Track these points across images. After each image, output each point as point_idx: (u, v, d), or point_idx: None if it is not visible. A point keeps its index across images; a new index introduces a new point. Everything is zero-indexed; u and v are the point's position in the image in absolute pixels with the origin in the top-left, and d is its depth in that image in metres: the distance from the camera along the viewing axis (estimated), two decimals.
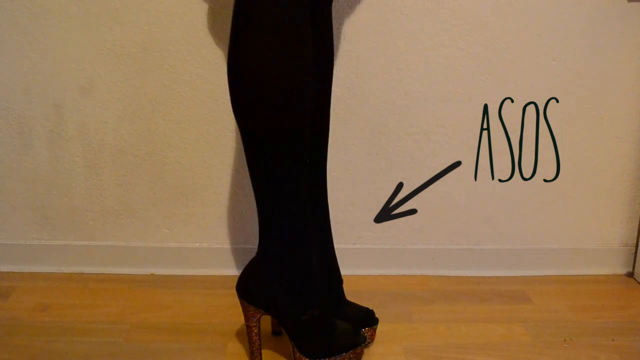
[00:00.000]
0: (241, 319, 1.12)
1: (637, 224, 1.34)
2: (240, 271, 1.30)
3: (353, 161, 1.26)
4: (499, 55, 1.22)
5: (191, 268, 1.30)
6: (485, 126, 1.26)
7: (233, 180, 1.26)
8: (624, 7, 1.20)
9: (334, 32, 1.14)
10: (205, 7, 1.16)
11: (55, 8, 1.16)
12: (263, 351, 1.03)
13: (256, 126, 0.87)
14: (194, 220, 1.28)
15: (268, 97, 0.85)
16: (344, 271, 1.13)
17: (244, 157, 1.25)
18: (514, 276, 1.33)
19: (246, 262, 1.29)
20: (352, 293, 1.18)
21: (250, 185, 1.26)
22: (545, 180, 1.30)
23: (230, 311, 1.16)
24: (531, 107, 1.25)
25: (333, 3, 1.09)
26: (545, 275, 1.34)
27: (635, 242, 1.35)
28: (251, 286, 0.95)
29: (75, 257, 1.29)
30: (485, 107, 1.24)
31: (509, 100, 1.24)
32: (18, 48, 1.18)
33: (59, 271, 1.29)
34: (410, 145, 1.26)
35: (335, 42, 1.17)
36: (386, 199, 1.29)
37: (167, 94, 1.21)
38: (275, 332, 1.09)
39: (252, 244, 1.30)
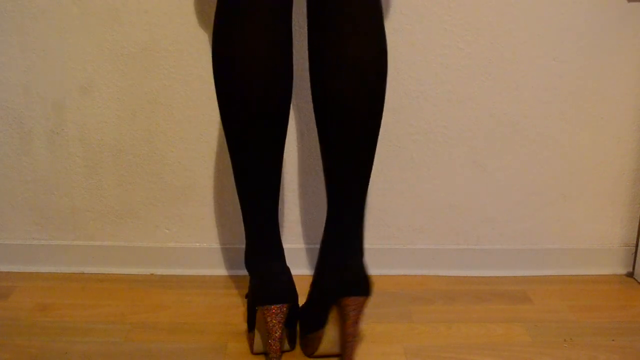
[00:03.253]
0: (241, 319, 1.12)
1: (637, 224, 1.34)
2: (240, 271, 1.30)
3: None
4: (499, 55, 1.22)
5: (191, 268, 1.30)
6: (485, 126, 1.26)
7: (233, 180, 1.26)
8: (624, 7, 1.20)
9: None
10: (205, 7, 1.16)
11: (55, 8, 1.16)
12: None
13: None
14: (194, 220, 1.29)
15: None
16: None
17: None
18: (514, 276, 1.33)
19: None
20: None
21: None
22: (545, 180, 1.30)
23: (230, 311, 1.16)
24: (531, 107, 1.25)
25: None
26: (545, 275, 1.34)
27: (635, 242, 1.35)
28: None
29: (75, 257, 1.29)
30: (485, 107, 1.24)
31: (509, 100, 1.24)
32: (18, 48, 1.18)
33: (59, 271, 1.29)
34: (410, 145, 1.26)
35: None
36: (386, 199, 1.29)
37: (167, 94, 1.21)
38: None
39: None
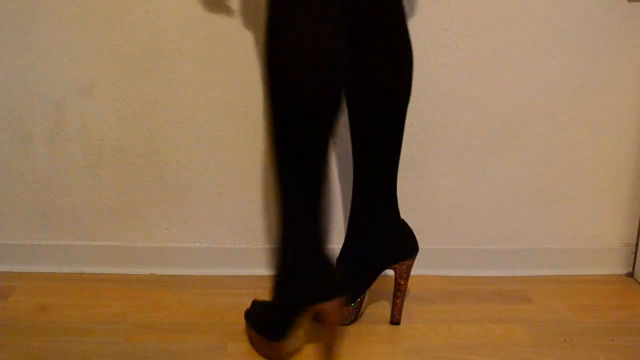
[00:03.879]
0: (241, 319, 1.12)
1: (637, 224, 1.34)
2: (240, 271, 1.30)
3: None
4: (499, 55, 1.22)
5: (191, 268, 1.30)
6: (485, 126, 1.26)
7: (233, 180, 1.26)
8: (624, 7, 1.20)
9: None
10: (205, 7, 1.16)
11: (55, 8, 1.16)
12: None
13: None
14: (194, 220, 1.28)
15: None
16: None
17: (244, 157, 1.25)
18: (514, 276, 1.33)
19: (246, 262, 1.29)
20: None
21: (250, 185, 1.26)
22: (545, 180, 1.30)
23: (230, 311, 1.16)
24: (531, 107, 1.25)
25: None
26: (545, 275, 1.34)
27: (635, 242, 1.35)
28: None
29: (75, 257, 1.29)
30: (485, 107, 1.24)
31: (509, 100, 1.24)
32: (18, 48, 1.18)
33: (59, 271, 1.29)
34: (410, 145, 1.26)
35: None
36: None
37: (167, 94, 1.21)
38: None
39: (252, 244, 1.30)
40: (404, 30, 1.00)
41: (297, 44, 0.84)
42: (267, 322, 1.01)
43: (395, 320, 1.12)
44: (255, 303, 1.07)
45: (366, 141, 1.04)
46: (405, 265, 1.09)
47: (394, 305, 1.12)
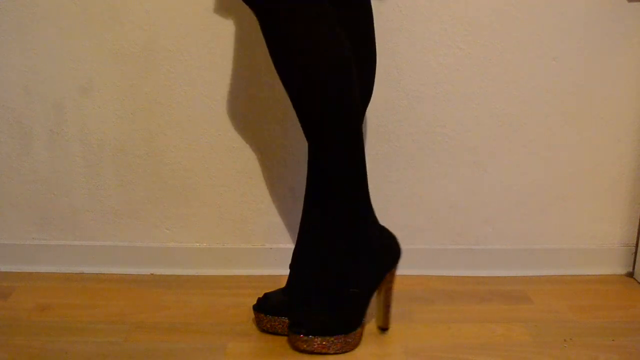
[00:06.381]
0: (241, 319, 1.12)
1: (637, 224, 1.34)
2: (240, 271, 1.30)
3: None
4: (499, 55, 1.22)
5: (191, 268, 1.30)
6: (485, 126, 1.26)
7: (233, 180, 1.26)
8: (624, 7, 1.20)
9: None
10: (205, 7, 1.16)
11: (55, 8, 1.16)
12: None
13: None
14: (194, 220, 1.28)
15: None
16: None
17: (244, 157, 1.25)
18: (514, 276, 1.33)
19: (246, 262, 1.29)
20: None
21: (250, 185, 1.26)
22: (545, 180, 1.30)
23: (230, 311, 1.16)
24: (531, 107, 1.25)
25: None
26: (545, 275, 1.34)
27: (635, 242, 1.35)
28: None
29: (75, 257, 1.29)
30: (485, 107, 1.24)
31: (509, 100, 1.24)
32: (18, 48, 1.18)
33: (59, 271, 1.29)
34: (410, 145, 1.26)
35: None
36: (386, 199, 1.29)
37: (167, 94, 1.21)
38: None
39: (252, 244, 1.30)
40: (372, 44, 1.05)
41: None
42: (337, 318, 1.02)
43: (386, 326, 1.11)
44: (299, 313, 1.05)
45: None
46: (394, 269, 1.09)
47: (386, 311, 1.10)
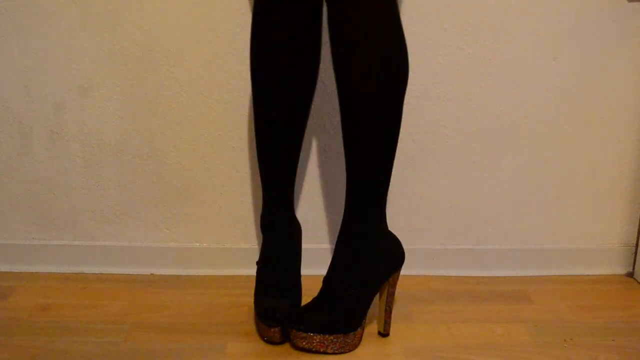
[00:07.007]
0: (241, 319, 1.12)
1: (637, 224, 1.34)
2: (240, 271, 1.30)
3: None
4: (499, 55, 1.22)
5: (191, 268, 1.30)
6: (485, 126, 1.26)
7: (233, 180, 1.26)
8: (624, 7, 1.20)
9: None
10: (205, 7, 1.16)
11: (55, 8, 1.16)
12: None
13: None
14: (194, 220, 1.28)
15: None
16: None
17: (244, 157, 1.25)
18: (514, 276, 1.33)
19: (246, 262, 1.29)
20: None
21: (250, 185, 1.26)
22: (545, 180, 1.30)
23: (230, 311, 1.16)
24: (531, 107, 1.25)
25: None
26: (545, 275, 1.34)
27: (635, 242, 1.35)
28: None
29: (75, 257, 1.29)
30: (485, 107, 1.24)
31: (509, 100, 1.24)
32: (18, 48, 1.18)
33: (59, 271, 1.29)
34: (410, 145, 1.26)
35: None
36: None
37: (167, 94, 1.21)
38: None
39: (252, 244, 1.30)
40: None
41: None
42: (337, 317, 1.03)
43: (387, 332, 1.10)
44: (304, 312, 1.04)
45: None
46: (398, 272, 1.09)
47: (387, 316, 1.09)
